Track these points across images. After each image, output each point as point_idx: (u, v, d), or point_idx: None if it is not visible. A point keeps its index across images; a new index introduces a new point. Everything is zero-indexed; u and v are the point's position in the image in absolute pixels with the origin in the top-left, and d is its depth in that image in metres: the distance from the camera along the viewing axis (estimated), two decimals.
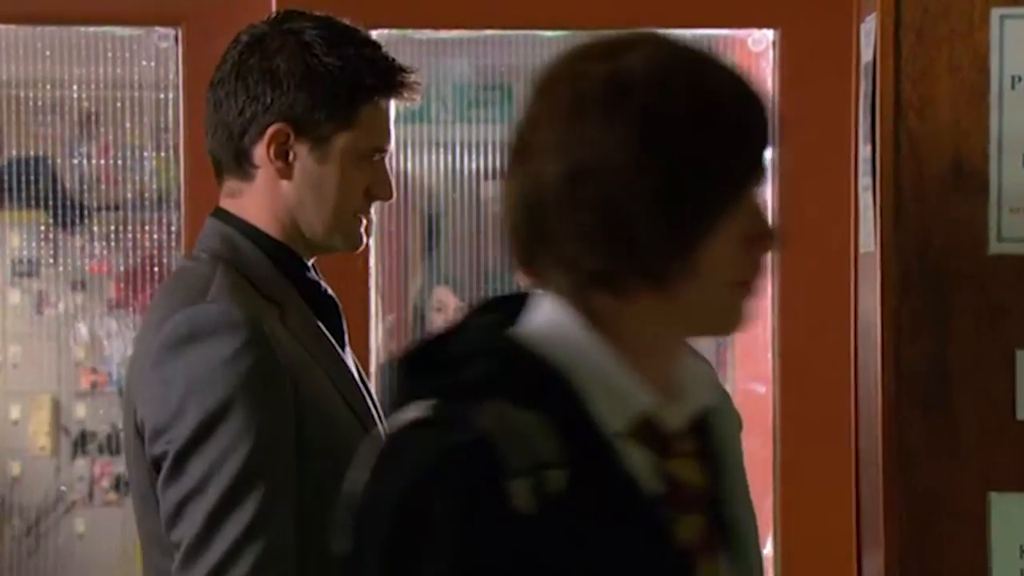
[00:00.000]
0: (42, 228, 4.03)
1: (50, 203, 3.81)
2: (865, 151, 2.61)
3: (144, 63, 3.10)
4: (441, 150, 3.60)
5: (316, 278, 2.09)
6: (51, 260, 4.14)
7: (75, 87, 3.18)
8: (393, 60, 2.04)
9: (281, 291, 2.01)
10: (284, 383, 1.90)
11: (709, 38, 3.06)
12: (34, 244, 4.10)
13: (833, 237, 2.79)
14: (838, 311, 2.78)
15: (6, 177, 3.69)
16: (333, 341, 2.06)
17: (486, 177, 3.62)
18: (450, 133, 3.67)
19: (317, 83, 1.98)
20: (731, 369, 3.38)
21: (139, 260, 3.72)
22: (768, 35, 2.89)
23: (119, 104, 3.29)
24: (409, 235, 3.68)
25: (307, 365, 1.96)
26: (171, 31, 2.89)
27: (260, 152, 2.00)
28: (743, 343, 3.30)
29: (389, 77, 2.02)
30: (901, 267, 2.46)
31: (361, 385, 2.08)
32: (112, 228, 3.79)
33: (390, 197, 2.07)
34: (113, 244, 3.78)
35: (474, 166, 3.61)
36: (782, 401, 2.87)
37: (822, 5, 2.80)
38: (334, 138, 2.00)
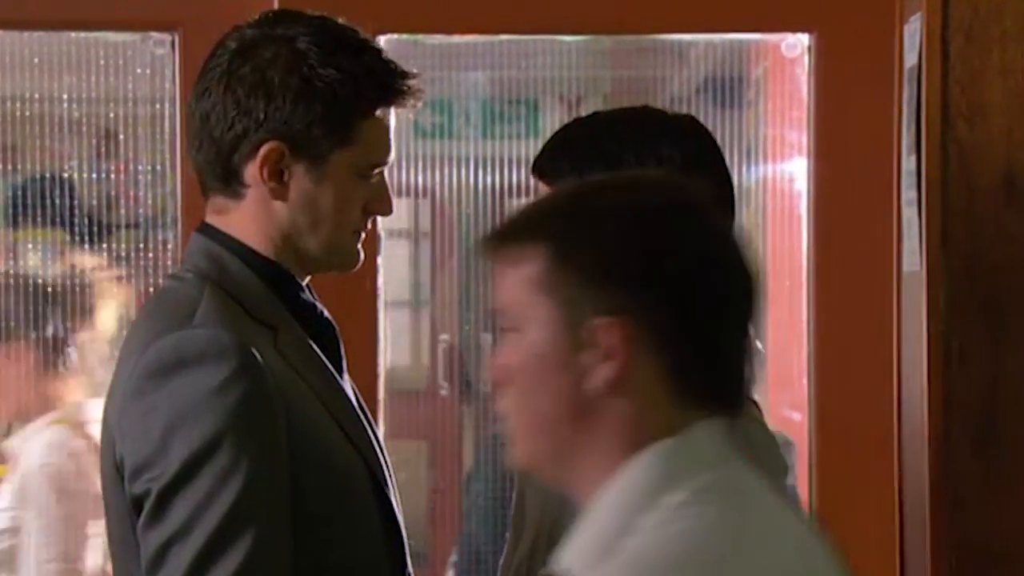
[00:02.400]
0: (59, 246, 3.98)
1: (68, 221, 3.76)
2: (909, 163, 2.60)
3: (139, 71, 3.05)
4: (465, 166, 3.55)
5: (311, 299, 2.01)
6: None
7: (64, 97, 3.13)
8: (394, 66, 1.97)
9: (274, 313, 1.94)
10: (277, 415, 1.82)
11: (740, 43, 3.02)
12: (50, 262, 4.06)
13: (874, 256, 2.77)
14: (879, 337, 2.75)
15: (20, 195, 3.64)
16: (330, 366, 1.98)
17: (511, 194, 3.57)
18: (474, 149, 3.62)
19: (315, 97, 1.90)
20: (765, 395, 3.33)
21: (157, 279, 3.67)
22: (803, 39, 2.89)
23: (112, 115, 3.24)
24: (430, 253, 3.59)
25: (301, 393, 1.88)
26: (167, 36, 2.88)
27: (252, 171, 1.92)
28: (777, 369, 3.26)
29: (390, 86, 1.95)
30: (949, 288, 2.47)
31: (360, 413, 2.00)
32: (133, 246, 3.74)
33: (389, 212, 2.01)
34: (134, 262, 3.74)
35: (498, 182, 3.55)
36: (818, 433, 2.84)
37: (861, 6, 2.78)
38: (332, 156, 1.92)
